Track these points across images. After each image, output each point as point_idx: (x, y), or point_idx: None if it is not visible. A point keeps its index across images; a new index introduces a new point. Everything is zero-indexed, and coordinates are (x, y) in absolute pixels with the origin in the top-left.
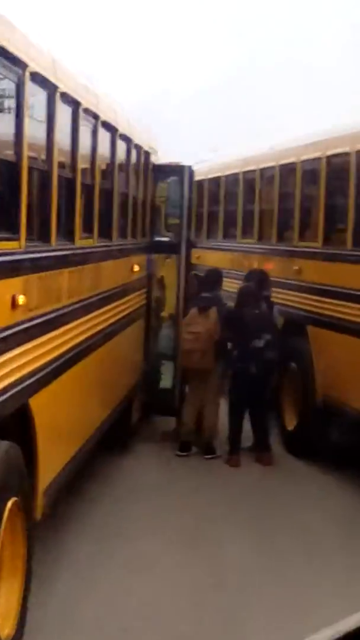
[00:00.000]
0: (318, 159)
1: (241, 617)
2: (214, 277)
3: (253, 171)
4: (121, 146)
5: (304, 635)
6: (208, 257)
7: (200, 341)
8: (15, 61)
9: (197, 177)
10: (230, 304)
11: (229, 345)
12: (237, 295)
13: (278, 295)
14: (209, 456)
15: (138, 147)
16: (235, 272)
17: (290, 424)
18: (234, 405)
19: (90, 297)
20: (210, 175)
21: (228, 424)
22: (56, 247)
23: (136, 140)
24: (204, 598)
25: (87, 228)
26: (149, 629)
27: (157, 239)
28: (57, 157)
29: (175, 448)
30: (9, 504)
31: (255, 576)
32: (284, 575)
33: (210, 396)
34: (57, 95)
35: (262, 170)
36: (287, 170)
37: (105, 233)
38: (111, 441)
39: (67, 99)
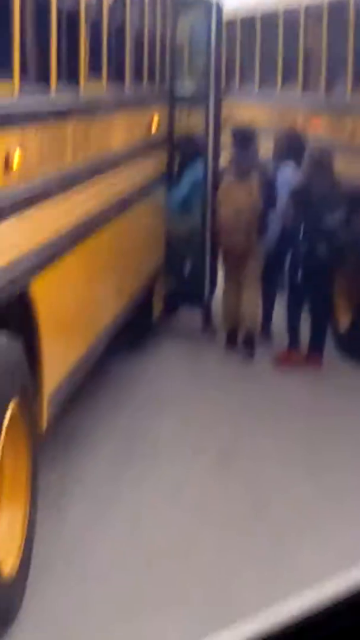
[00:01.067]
0: None
1: (286, 551)
2: (247, 137)
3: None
4: None
5: None
6: (241, 112)
7: (242, 217)
8: None
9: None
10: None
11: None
12: (306, 160)
13: None
14: (249, 351)
15: None
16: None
17: (344, 321)
18: (295, 295)
19: (101, 157)
20: (242, 14)
21: (287, 315)
22: (57, 94)
23: None
24: (241, 529)
25: (95, 70)
26: (177, 566)
27: (180, 87)
28: None
29: (204, 346)
30: (10, 406)
31: (302, 502)
32: (338, 495)
33: (251, 280)
34: None
35: (307, 8)
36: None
37: (117, 78)
38: (129, 339)
39: None
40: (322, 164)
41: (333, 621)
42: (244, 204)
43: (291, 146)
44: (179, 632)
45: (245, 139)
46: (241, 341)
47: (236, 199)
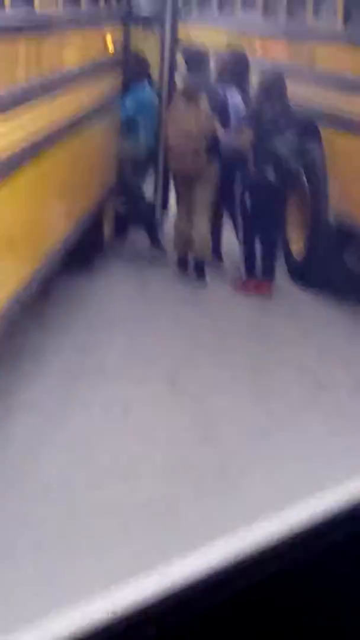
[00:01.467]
0: None
1: (234, 474)
2: (199, 57)
3: None
4: None
5: (310, 493)
6: (198, 35)
7: (191, 139)
8: None
9: None
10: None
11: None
12: (259, 84)
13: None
14: (198, 280)
15: None
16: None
17: (297, 249)
18: (247, 222)
19: (53, 75)
20: None
21: (241, 244)
22: (11, 11)
23: None
24: (189, 452)
25: None
26: (123, 487)
27: (136, 7)
28: None
29: (155, 269)
30: None
31: (251, 424)
32: (286, 422)
33: (201, 203)
34: None
35: None
36: None
37: None
38: (79, 260)
39: None
40: (273, 89)
41: (284, 555)
42: (192, 125)
43: (235, 68)
44: (119, 560)
45: (196, 60)
46: (191, 267)
47: (185, 121)
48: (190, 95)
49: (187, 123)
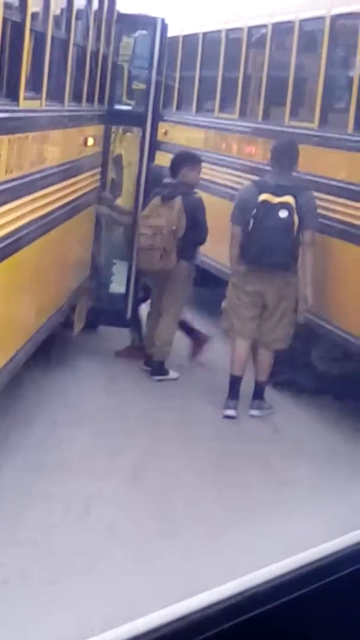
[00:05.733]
0: (320, 19)
1: (193, 571)
2: (182, 161)
3: (239, 29)
4: None
5: None
6: (177, 134)
7: (161, 237)
8: None
9: (169, 33)
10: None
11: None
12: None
13: None
14: (159, 377)
15: None
16: (210, 154)
17: None
18: None
19: (32, 173)
20: (185, 32)
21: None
22: None
23: None
24: (149, 548)
25: (35, 86)
26: (84, 585)
27: (117, 107)
28: None
29: (123, 363)
30: None
31: (214, 524)
32: (247, 519)
33: (168, 304)
34: None
35: (251, 29)
36: (281, 31)
37: (56, 94)
38: (48, 354)
39: None
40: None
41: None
42: (163, 224)
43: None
44: None
45: (177, 161)
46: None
47: (157, 219)
48: (166, 196)
49: (158, 222)
